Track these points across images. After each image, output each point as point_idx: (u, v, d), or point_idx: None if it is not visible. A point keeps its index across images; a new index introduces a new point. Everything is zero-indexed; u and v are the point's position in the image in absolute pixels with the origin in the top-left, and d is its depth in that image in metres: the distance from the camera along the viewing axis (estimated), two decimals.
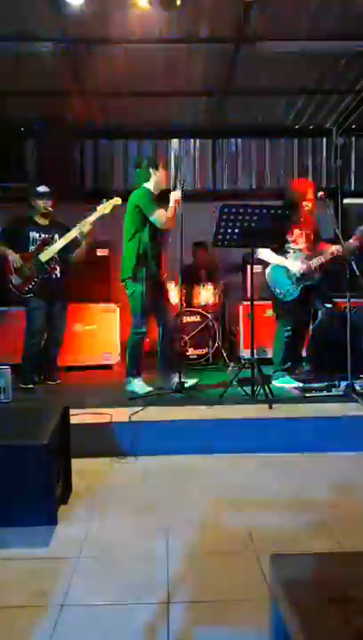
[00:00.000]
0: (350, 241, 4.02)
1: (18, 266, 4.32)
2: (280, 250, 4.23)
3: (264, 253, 4.27)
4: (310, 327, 4.91)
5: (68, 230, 4.47)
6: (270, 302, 4.56)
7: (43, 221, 4.51)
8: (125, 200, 4.36)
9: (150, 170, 4.10)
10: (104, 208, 4.33)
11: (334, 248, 4.12)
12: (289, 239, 4.21)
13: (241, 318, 5.65)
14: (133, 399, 3.72)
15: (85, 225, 4.35)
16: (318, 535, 2.09)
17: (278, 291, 4.27)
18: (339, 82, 5.74)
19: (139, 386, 4.00)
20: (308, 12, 4.41)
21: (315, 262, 4.19)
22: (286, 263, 4.23)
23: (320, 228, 4.45)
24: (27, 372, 4.43)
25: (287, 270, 4.23)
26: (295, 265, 4.20)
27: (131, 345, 4.09)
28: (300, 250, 4.26)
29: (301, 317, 4.44)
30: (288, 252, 4.26)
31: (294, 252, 4.27)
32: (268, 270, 4.38)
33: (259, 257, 4.30)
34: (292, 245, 4.25)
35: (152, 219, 3.91)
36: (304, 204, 4.24)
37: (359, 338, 3.98)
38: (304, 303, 4.37)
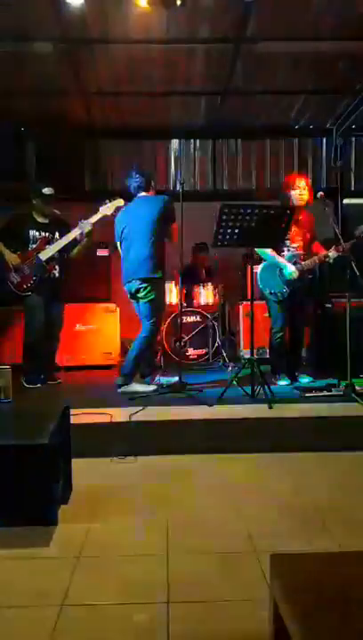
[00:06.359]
0: (332, 250, 4.03)
1: (14, 264, 4.31)
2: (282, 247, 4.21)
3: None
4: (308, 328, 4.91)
5: (68, 228, 4.47)
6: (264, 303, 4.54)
7: (43, 219, 4.50)
8: (127, 200, 4.37)
9: (152, 182, 4.19)
10: (107, 209, 4.33)
11: (324, 254, 4.10)
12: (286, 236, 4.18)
13: (241, 318, 5.65)
14: (133, 399, 3.72)
15: (87, 225, 4.36)
16: (318, 535, 2.09)
17: (268, 291, 4.25)
18: (339, 82, 5.74)
19: (142, 385, 4.01)
20: (308, 12, 4.41)
21: (306, 265, 4.16)
22: (284, 263, 4.17)
23: (316, 228, 4.40)
24: (31, 372, 4.42)
25: (280, 270, 4.18)
26: (289, 267, 4.14)
27: (151, 343, 4.11)
28: (295, 248, 4.22)
29: (295, 320, 4.38)
30: (283, 251, 4.21)
31: (289, 250, 4.21)
32: (258, 270, 4.33)
33: (257, 252, 4.27)
34: (288, 243, 4.20)
35: (174, 228, 4.03)
36: (292, 193, 4.17)
37: (359, 338, 3.98)
38: (298, 305, 4.33)
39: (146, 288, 3.97)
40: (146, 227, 3.97)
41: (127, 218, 4.14)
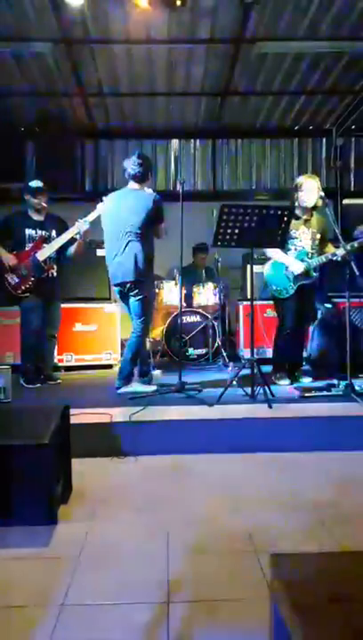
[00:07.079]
0: (339, 249, 3.98)
1: (10, 265, 4.28)
2: (283, 247, 4.19)
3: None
4: (311, 328, 4.90)
5: (65, 225, 4.44)
6: (270, 302, 4.55)
7: (38, 217, 4.46)
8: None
9: (149, 175, 4.07)
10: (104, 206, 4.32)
11: (331, 252, 4.06)
12: (294, 235, 4.17)
13: (241, 318, 5.65)
14: (133, 399, 3.72)
15: (85, 223, 4.33)
16: (317, 535, 2.09)
17: (274, 287, 4.26)
18: (339, 82, 5.75)
19: (142, 385, 4.02)
20: (308, 12, 4.42)
21: (313, 263, 4.16)
22: (288, 260, 4.18)
23: (328, 229, 4.32)
24: (30, 372, 4.41)
25: (286, 268, 4.19)
26: (295, 264, 4.15)
27: (144, 341, 4.10)
28: (303, 247, 4.22)
29: (302, 319, 4.37)
30: (290, 249, 4.20)
31: (296, 249, 4.21)
32: (266, 266, 4.35)
33: (262, 250, 4.26)
34: (295, 242, 4.20)
35: (164, 226, 3.98)
36: (299, 194, 4.14)
37: (359, 338, 3.97)
38: (305, 304, 4.33)
39: (135, 288, 3.95)
40: (133, 226, 3.86)
41: (114, 209, 4.00)
